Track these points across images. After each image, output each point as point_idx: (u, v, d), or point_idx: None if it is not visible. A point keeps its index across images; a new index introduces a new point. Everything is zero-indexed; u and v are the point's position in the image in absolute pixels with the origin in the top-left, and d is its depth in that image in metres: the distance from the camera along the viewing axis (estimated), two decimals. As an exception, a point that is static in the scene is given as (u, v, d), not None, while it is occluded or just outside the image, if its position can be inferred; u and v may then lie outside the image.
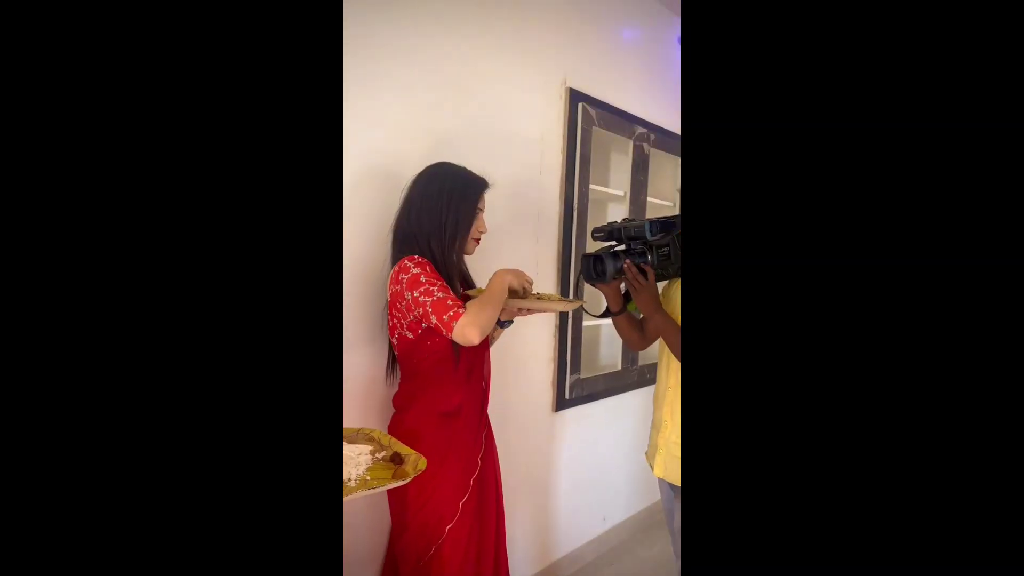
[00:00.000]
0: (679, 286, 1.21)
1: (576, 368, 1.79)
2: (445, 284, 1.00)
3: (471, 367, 1.09)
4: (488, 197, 1.11)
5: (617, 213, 2.06)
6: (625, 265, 1.16)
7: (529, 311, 1.13)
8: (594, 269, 1.18)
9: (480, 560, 1.07)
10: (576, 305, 1.18)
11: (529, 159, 1.59)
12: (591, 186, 1.82)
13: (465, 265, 1.16)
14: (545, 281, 1.69)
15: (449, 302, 0.96)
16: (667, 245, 1.25)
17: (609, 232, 1.26)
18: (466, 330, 0.95)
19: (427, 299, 0.97)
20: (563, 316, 1.73)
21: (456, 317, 0.95)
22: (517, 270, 1.05)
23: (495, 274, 1.04)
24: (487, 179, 1.12)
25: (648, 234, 1.20)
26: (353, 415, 1.18)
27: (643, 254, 1.21)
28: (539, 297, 1.13)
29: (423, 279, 0.98)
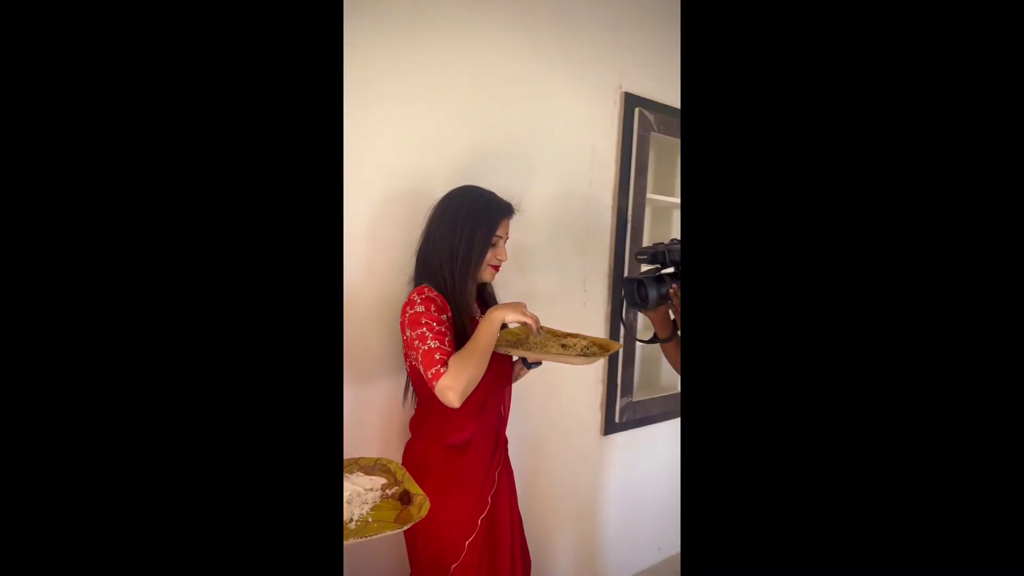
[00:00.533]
0: None
1: (628, 390, 1.68)
2: (446, 326, 0.96)
3: (485, 400, 1.03)
4: (533, 214, 1.06)
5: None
6: (671, 290, 1.06)
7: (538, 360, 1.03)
8: (637, 294, 1.09)
9: None
10: (593, 361, 1.00)
11: (578, 171, 1.51)
12: (651, 196, 1.70)
13: (490, 290, 1.12)
14: (595, 299, 1.60)
15: (437, 356, 0.91)
16: None
17: (653, 255, 1.15)
18: (446, 393, 0.90)
19: (420, 346, 0.93)
20: (612, 334, 1.63)
21: (438, 376, 0.90)
22: (515, 304, 0.96)
23: (487, 314, 0.95)
24: (513, 204, 1.05)
25: None
26: (375, 440, 1.19)
27: None
28: (564, 343, 1.05)
29: (423, 320, 0.95)
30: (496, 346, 0.96)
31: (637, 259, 1.21)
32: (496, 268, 1.06)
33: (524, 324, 0.98)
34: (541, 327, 0.99)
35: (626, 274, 1.61)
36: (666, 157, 1.93)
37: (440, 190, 1.09)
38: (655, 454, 1.84)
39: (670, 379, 1.95)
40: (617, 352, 1.64)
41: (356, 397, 1.15)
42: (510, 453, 1.15)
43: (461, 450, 1.02)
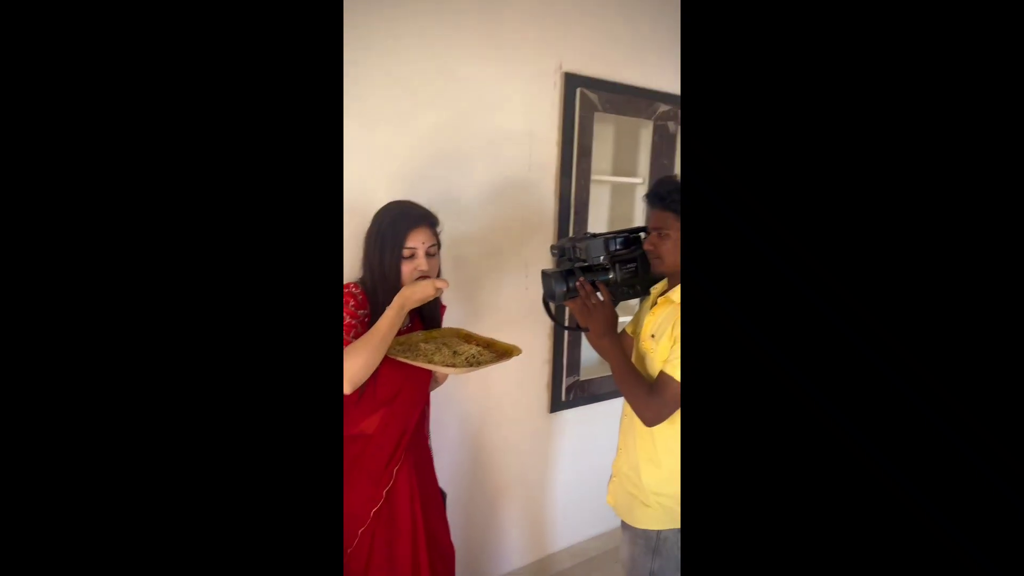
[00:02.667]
0: (652, 307, 1.11)
1: (574, 370, 1.73)
2: (358, 319, 1.02)
3: (394, 397, 1.07)
4: (472, 204, 1.06)
5: (632, 200, 1.89)
6: (578, 284, 1.08)
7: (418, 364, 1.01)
8: (546, 288, 1.12)
9: None
10: (475, 369, 1.01)
11: (516, 158, 1.51)
12: (605, 177, 1.68)
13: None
14: (537, 284, 1.63)
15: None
16: (634, 260, 1.13)
17: (561, 250, 1.17)
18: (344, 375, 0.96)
19: None
20: (560, 316, 1.67)
21: None
22: (417, 284, 0.99)
23: (392, 301, 0.98)
24: (432, 213, 1.06)
25: (601, 253, 1.10)
26: None
27: (606, 270, 1.11)
28: (456, 349, 1.06)
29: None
30: (389, 351, 0.99)
31: (552, 253, 1.23)
32: (426, 277, 1.05)
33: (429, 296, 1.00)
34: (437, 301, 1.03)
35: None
36: (624, 135, 1.89)
37: (382, 198, 1.12)
38: (606, 430, 1.90)
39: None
40: (563, 332, 1.68)
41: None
42: (450, 436, 1.17)
43: (359, 440, 1.07)
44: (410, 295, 0.98)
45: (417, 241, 1.03)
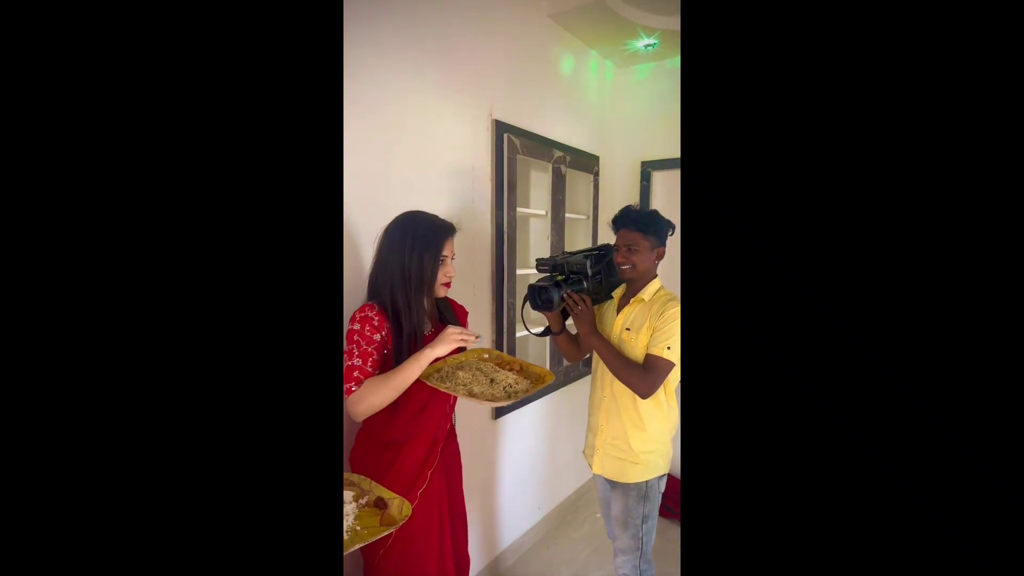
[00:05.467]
0: (608, 307, 1.45)
1: (511, 378, 1.94)
2: (375, 346, 1.08)
3: (424, 406, 1.15)
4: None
5: (537, 230, 2.22)
6: (566, 294, 1.33)
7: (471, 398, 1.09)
8: (540, 298, 1.34)
9: None
10: (514, 400, 1.09)
11: (462, 188, 1.69)
12: (523, 209, 1.96)
13: (444, 304, 1.23)
14: (482, 302, 1.81)
15: (355, 373, 1.06)
16: (599, 273, 1.44)
17: (552, 265, 1.42)
18: (350, 408, 1.06)
19: (346, 361, 1.07)
20: (498, 329, 1.87)
21: (348, 392, 1.06)
22: (446, 335, 1.07)
23: (420, 351, 1.07)
24: (454, 224, 1.18)
25: (589, 268, 1.38)
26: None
27: (579, 282, 1.38)
28: (493, 377, 1.12)
29: (355, 337, 1.08)
30: (426, 378, 1.08)
31: (539, 268, 1.46)
32: (448, 284, 1.18)
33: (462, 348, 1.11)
34: (476, 348, 1.12)
35: (506, 278, 1.85)
36: (525, 175, 2.22)
37: (356, 215, 1.20)
38: (534, 429, 2.15)
39: (538, 362, 2.28)
40: (502, 344, 1.88)
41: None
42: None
43: (392, 447, 1.13)
44: (438, 348, 1.07)
45: (449, 249, 1.15)
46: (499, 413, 1.90)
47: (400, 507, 0.93)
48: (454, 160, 1.64)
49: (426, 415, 1.16)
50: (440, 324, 1.23)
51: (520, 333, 2.02)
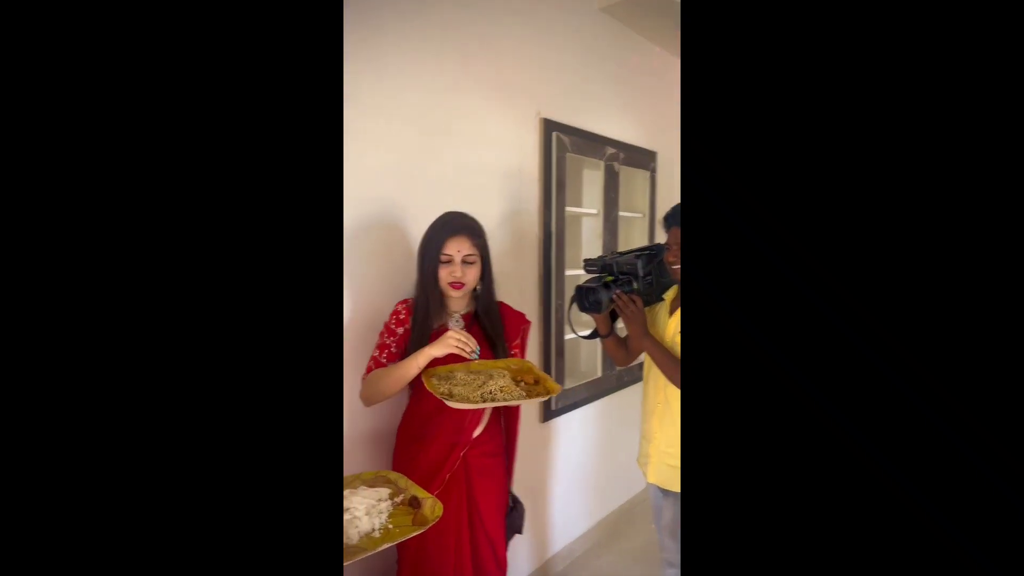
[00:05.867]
0: (660, 308, 1.37)
1: (560, 380, 1.91)
2: (396, 338, 1.16)
3: (439, 407, 1.13)
4: None
5: (589, 229, 2.17)
6: (615, 295, 1.29)
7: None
8: (587, 300, 1.30)
9: None
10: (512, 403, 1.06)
11: (509, 190, 1.68)
12: (573, 209, 1.92)
13: (487, 307, 1.22)
14: (529, 304, 1.79)
15: (371, 363, 1.16)
16: (650, 273, 1.38)
17: (602, 266, 1.38)
18: (360, 394, 1.15)
19: (374, 351, 1.18)
20: (545, 331, 1.84)
21: (362, 379, 1.15)
22: (444, 338, 1.07)
23: (422, 351, 1.08)
24: (474, 224, 1.18)
25: (640, 269, 1.33)
26: (377, 452, 1.30)
27: (629, 283, 1.33)
28: (485, 390, 1.08)
29: (383, 329, 1.19)
30: (427, 377, 1.09)
31: (587, 269, 1.42)
32: (455, 286, 1.15)
33: (458, 357, 1.10)
34: (472, 356, 1.07)
35: (554, 280, 1.83)
36: (575, 173, 2.18)
37: (407, 217, 1.26)
38: (586, 434, 2.10)
39: (588, 366, 2.22)
40: (550, 347, 1.85)
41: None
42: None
43: (415, 444, 1.18)
44: (435, 348, 1.07)
45: (453, 249, 1.15)
46: (547, 416, 1.88)
47: (433, 507, 0.93)
48: (501, 161, 1.64)
49: (443, 416, 1.16)
50: (475, 326, 1.23)
51: (568, 336, 1.98)
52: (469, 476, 1.20)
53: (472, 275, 1.17)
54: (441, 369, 1.14)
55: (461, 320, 1.23)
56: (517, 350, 1.26)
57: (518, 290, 1.73)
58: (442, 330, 1.20)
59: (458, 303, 1.23)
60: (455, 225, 1.16)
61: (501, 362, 1.20)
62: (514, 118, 1.67)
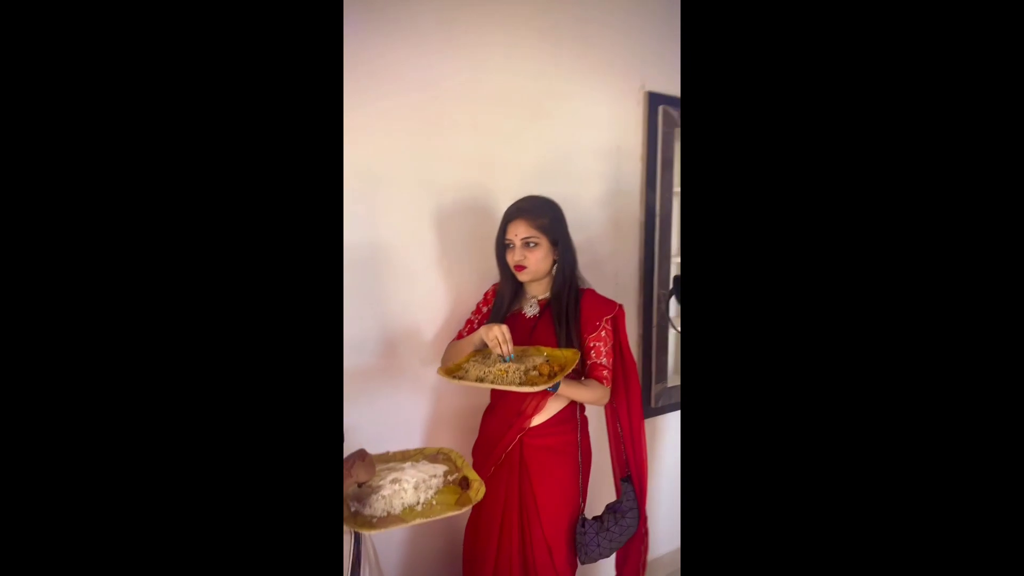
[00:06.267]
0: None
1: (663, 376, 1.77)
2: (480, 315, 1.25)
3: (501, 396, 1.20)
4: (568, 216, 1.16)
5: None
6: None
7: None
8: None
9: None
10: (535, 388, 0.99)
11: (606, 171, 1.59)
12: (673, 189, 1.75)
13: (563, 294, 1.17)
14: (627, 292, 1.68)
15: (455, 337, 1.23)
16: None
17: None
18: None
19: None
20: (645, 323, 1.71)
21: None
22: (488, 327, 1.05)
23: (477, 332, 1.11)
24: (534, 206, 1.15)
25: None
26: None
27: None
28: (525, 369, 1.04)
29: (474, 308, 1.28)
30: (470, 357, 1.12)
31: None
32: (518, 268, 1.14)
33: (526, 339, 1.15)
34: (507, 351, 1.04)
35: (656, 267, 1.69)
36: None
37: (499, 199, 1.28)
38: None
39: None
40: (651, 340, 1.72)
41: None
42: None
43: (486, 416, 1.26)
44: (478, 336, 1.09)
45: (513, 233, 1.14)
46: (647, 414, 1.76)
47: (478, 490, 0.94)
48: (597, 140, 1.55)
49: (508, 396, 1.18)
50: (547, 311, 1.19)
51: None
52: (525, 464, 1.18)
53: (535, 257, 1.14)
54: (480, 355, 1.14)
55: (536, 305, 1.21)
56: (597, 342, 1.16)
57: (614, 276, 1.64)
58: (517, 314, 1.21)
59: (536, 287, 1.21)
60: (513, 209, 1.16)
61: (548, 350, 1.13)
62: (614, 94, 1.56)
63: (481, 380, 1.03)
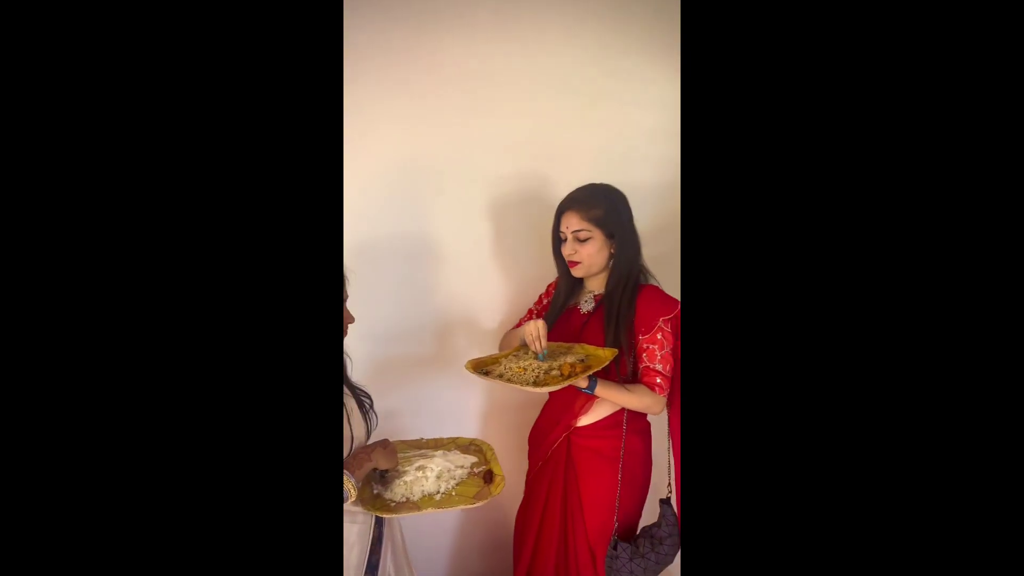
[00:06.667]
0: None
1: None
2: (539, 306, 1.24)
3: (557, 395, 1.17)
4: (634, 204, 1.09)
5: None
6: None
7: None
8: None
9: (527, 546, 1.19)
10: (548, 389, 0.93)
11: (660, 156, 1.49)
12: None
13: (618, 289, 1.10)
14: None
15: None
16: None
17: None
18: None
19: None
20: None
21: None
22: (528, 324, 1.01)
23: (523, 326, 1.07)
24: (588, 197, 1.09)
25: None
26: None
27: None
28: (548, 368, 1.00)
29: (535, 300, 1.27)
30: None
31: None
32: (571, 264, 1.10)
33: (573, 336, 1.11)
34: (541, 351, 1.00)
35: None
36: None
37: (558, 191, 1.21)
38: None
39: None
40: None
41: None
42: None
43: (541, 412, 1.24)
44: (520, 331, 1.09)
45: (565, 226, 1.10)
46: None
47: (499, 484, 0.92)
48: (659, 124, 1.45)
49: (551, 401, 1.18)
50: (601, 308, 1.12)
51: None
52: (572, 463, 1.14)
53: (587, 251, 1.08)
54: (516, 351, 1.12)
55: (592, 301, 1.15)
56: (651, 344, 1.05)
57: (674, 273, 1.52)
58: (573, 309, 1.17)
59: (594, 282, 1.16)
60: (566, 200, 1.11)
61: (592, 349, 1.05)
62: (671, 68, 1.45)
63: (501, 376, 1.00)
